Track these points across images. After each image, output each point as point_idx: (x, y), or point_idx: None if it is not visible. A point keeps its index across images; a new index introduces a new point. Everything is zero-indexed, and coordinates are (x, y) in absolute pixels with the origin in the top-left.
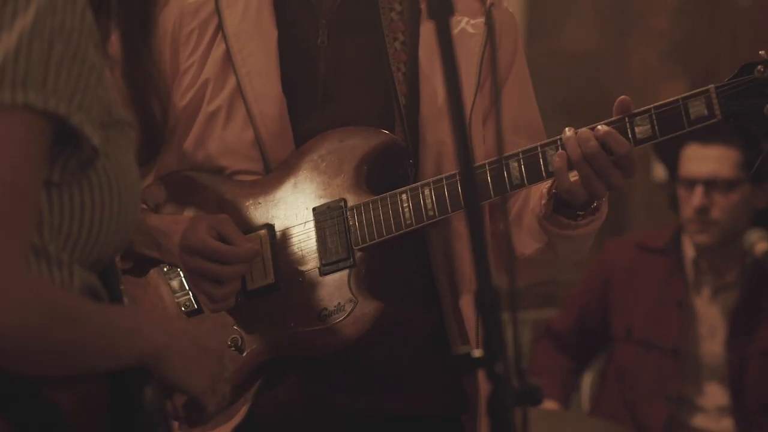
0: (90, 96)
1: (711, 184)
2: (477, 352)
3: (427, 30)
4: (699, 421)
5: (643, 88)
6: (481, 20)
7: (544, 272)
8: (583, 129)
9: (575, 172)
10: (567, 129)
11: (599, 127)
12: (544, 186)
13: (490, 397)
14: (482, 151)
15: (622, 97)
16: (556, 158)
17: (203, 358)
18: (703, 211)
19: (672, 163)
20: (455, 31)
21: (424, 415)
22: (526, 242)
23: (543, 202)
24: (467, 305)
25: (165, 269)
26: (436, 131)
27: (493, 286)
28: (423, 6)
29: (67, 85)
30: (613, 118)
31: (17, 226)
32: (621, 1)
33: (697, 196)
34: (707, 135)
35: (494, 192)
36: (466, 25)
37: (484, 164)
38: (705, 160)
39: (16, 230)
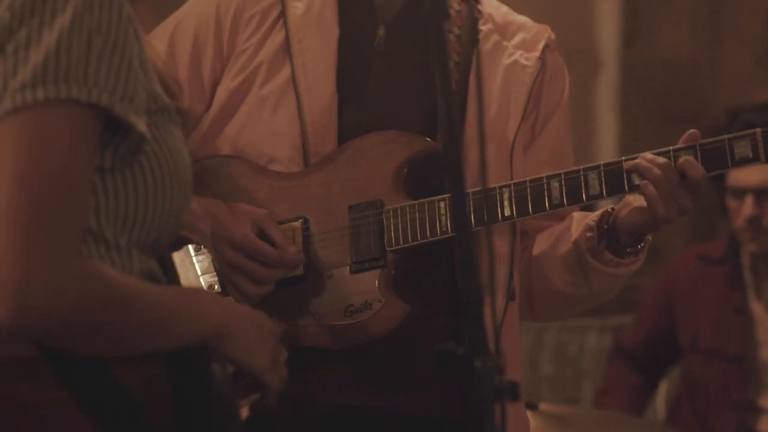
0: (132, 86)
1: (761, 193)
2: (459, 349)
3: (481, 54)
4: None
5: (737, 93)
6: (535, 54)
7: (575, 309)
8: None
9: (634, 201)
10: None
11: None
12: (590, 218)
13: (470, 393)
14: (521, 175)
15: (691, 131)
16: (643, 183)
17: (262, 337)
18: (754, 221)
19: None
20: (509, 61)
21: (435, 417)
22: (560, 275)
23: (589, 234)
24: (488, 316)
25: (194, 249)
26: (479, 152)
27: (476, 282)
28: (479, 31)
29: (108, 78)
30: (659, 150)
31: (70, 216)
32: (716, 7)
33: (748, 206)
34: None
35: (533, 210)
36: (520, 57)
37: (525, 181)
38: (754, 169)
39: (70, 221)
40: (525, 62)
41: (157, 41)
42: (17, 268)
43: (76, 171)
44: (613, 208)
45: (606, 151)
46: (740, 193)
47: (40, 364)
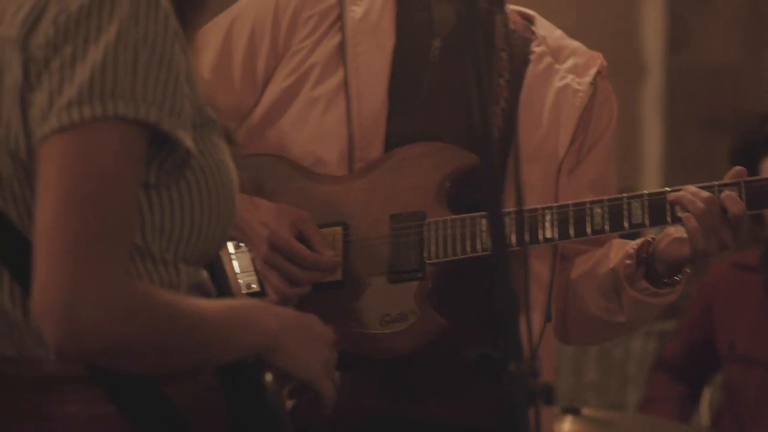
0: (179, 100)
1: None
2: (494, 353)
3: (532, 75)
4: None
5: None
6: (587, 80)
7: (608, 335)
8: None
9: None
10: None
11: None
12: (630, 246)
13: (504, 397)
14: (566, 197)
15: (737, 168)
16: (685, 216)
17: (315, 344)
18: None
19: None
20: (560, 84)
21: (468, 425)
22: (596, 300)
23: (628, 262)
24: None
25: (233, 246)
26: (525, 172)
27: (510, 286)
28: (531, 53)
29: (155, 92)
30: (704, 184)
31: (118, 237)
32: (759, 13)
33: None
34: None
35: (574, 234)
36: (572, 81)
37: (568, 204)
38: None
39: (117, 241)
40: (577, 87)
41: (212, 34)
42: (65, 292)
43: (123, 190)
44: (653, 238)
45: (651, 157)
46: None
47: (87, 381)
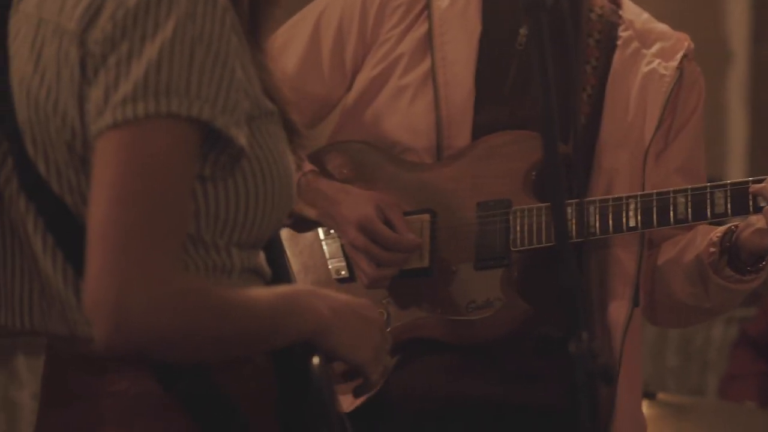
0: (233, 96)
1: None
2: (553, 333)
3: (619, 61)
4: None
5: None
6: (673, 64)
7: (695, 319)
8: None
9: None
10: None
11: None
12: (714, 234)
13: (567, 376)
14: (652, 182)
15: None
16: (766, 208)
17: (366, 329)
18: None
19: None
20: (647, 69)
21: (549, 406)
22: (682, 285)
23: (712, 250)
24: (614, 320)
25: (323, 233)
26: (612, 159)
27: (573, 268)
28: (618, 38)
29: (209, 90)
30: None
31: (169, 234)
32: None
33: None
34: None
35: (658, 223)
36: (658, 66)
37: (652, 194)
38: None
39: (169, 239)
40: (663, 71)
41: (301, 26)
42: (116, 289)
43: (177, 187)
44: (737, 226)
45: (736, 146)
46: None
47: (136, 361)
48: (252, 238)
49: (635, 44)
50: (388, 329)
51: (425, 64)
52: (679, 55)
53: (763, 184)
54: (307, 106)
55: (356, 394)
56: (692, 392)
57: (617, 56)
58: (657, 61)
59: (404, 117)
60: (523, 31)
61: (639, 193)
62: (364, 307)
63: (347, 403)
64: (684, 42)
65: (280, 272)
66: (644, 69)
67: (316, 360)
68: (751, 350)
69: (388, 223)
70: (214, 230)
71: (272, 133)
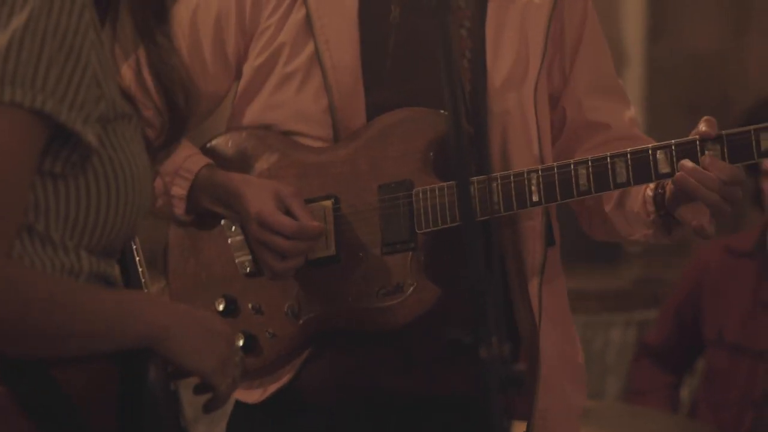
0: (83, 94)
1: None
2: (466, 337)
3: (492, 8)
4: None
5: (765, 84)
6: None
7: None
8: (691, 165)
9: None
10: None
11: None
12: (646, 190)
13: (475, 382)
14: (546, 118)
15: (707, 117)
16: (688, 216)
17: (210, 339)
18: None
19: None
20: (522, 2)
21: (465, 396)
22: (635, 228)
23: (650, 209)
24: (534, 293)
25: (227, 226)
26: (501, 101)
27: (483, 270)
28: None
29: (57, 84)
30: (685, 139)
31: (3, 223)
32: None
33: None
34: None
35: (561, 196)
36: None
37: (552, 167)
38: None
39: (2, 227)
40: (538, 1)
41: (176, 22)
42: None
43: (13, 176)
44: (663, 188)
45: None
46: None
47: None
48: (103, 242)
49: None
50: (300, 322)
51: (308, 50)
52: None
53: (680, 174)
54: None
55: (206, 408)
56: (592, 395)
57: (491, 2)
58: None
59: (294, 104)
60: (396, 5)
61: (539, 166)
62: (209, 318)
63: (257, 394)
64: None
65: (132, 285)
66: (519, 3)
67: (153, 367)
68: (653, 362)
69: (289, 212)
70: (63, 230)
71: (128, 137)
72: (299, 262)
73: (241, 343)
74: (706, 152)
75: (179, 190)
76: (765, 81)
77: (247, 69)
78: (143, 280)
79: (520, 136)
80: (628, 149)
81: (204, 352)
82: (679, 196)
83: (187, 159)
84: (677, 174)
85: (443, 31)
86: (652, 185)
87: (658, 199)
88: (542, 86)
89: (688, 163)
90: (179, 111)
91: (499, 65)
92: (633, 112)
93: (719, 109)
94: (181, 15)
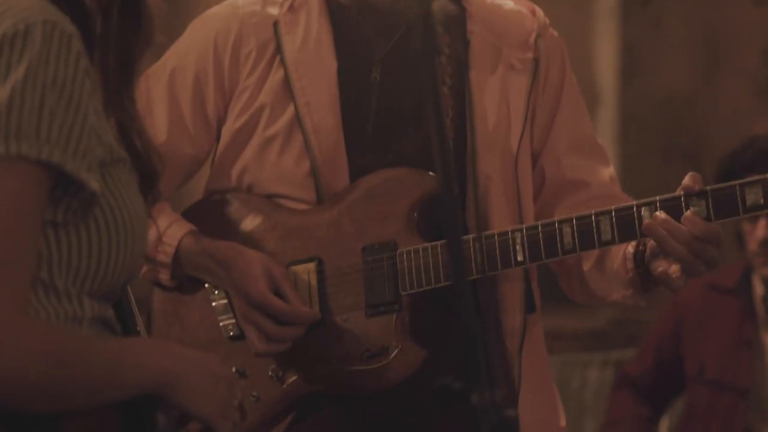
0: (85, 142)
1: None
2: (456, 384)
3: (474, 67)
4: None
5: (737, 126)
6: (528, 56)
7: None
8: (663, 216)
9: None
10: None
11: (660, 215)
12: (627, 247)
13: (467, 428)
14: (528, 185)
15: (692, 173)
16: (662, 270)
17: (213, 384)
18: (767, 244)
19: None
20: (503, 65)
21: None
22: (613, 289)
23: (629, 266)
24: (513, 359)
25: (211, 290)
26: (483, 165)
27: (474, 316)
28: (470, 41)
29: (60, 134)
30: (670, 195)
31: (14, 274)
32: (712, 40)
33: (761, 229)
34: None
35: (546, 255)
36: (515, 60)
37: (537, 225)
38: None
39: (13, 278)
40: (520, 66)
41: (154, 85)
42: None
43: (25, 230)
44: (644, 245)
45: None
46: (754, 216)
47: None
48: (104, 287)
49: (487, 38)
50: (284, 385)
51: (289, 112)
52: (531, 39)
53: (650, 225)
54: (179, 167)
55: None
56: None
57: (471, 61)
58: (513, 55)
59: (276, 169)
60: (377, 64)
61: (524, 225)
62: (211, 361)
63: None
64: (534, 20)
65: (129, 329)
66: (500, 67)
67: (160, 415)
68: (632, 392)
69: (279, 293)
70: (66, 277)
71: (124, 181)
72: (286, 346)
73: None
74: (691, 208)
75: (164, 257)
76: (737, 122)
77: (227, 131)
78: (138, 321)
79: (502, 202)
80: (613, 207)
81: (208, 396)
82: (657, 251)
83: (170, 226)
84: (646, 222)
85: (431, 73)
86: (633, 243)
87: (638, 256)
88: (524, 152)
89: (661, 214)
90: (141, 159)
91: (480, 128)
92: (612, 170)
93: (692, 150)
94: (159, 77)
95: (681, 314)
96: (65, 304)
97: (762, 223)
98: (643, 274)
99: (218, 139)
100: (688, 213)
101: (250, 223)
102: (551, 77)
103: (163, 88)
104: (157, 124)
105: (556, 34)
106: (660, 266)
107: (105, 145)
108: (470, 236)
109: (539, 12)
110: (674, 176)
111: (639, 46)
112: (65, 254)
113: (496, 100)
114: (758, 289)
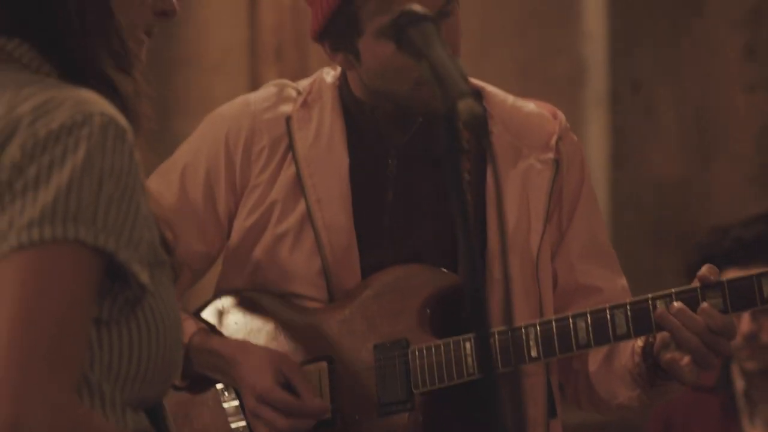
0: (137, 234)
1: (758, 310)
2: None
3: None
4: None
5: (730, 212)
6: (549, 156)
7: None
8: (679, 307)
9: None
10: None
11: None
12: (636, 341)
13: None
14: (549, 286)
15: (709, 265)
16: (670, 356)
17: None
18: (751, 337)
19: None
20: (523, 165)
21: None
22: (619, 390)
23: (637, 360)
24: None
25: (222, 390)
26: (503, 266)
27: (500, 415)
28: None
29: (115, 223)
30: (685, 288)
31: (69, 358)
32: (705, 127)
33: (745, 322)
34: (748, 257)
35: (560, 350)
36: (534, 160)
37: (551, 320)
38: None
39: (68, 362)
40: (540, 166)
41: (165, 179)
42: (13, 405)
43: (77, 312)
44: (654, 338)
45: None
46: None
47: None
48: (142, 395)
49: (506, 138)
50: None
51: (300, 209)
52: (552, 141)
53: (663, 315)
54: (190, 264)
55: None
56: None
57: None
58: (533, 154)
59: (287, 266)
60: (392, 159)
61: (537, 320)
62: None
63: None
64: (555, 122)
65: None
66: (521, 166)
67: None
68: None
69: (289, 386)
70: (109, 381)
71: (166, 285)
72: None
73: None
74: (707, 300)
75: None
76: (730, 208)
77: (238, 229)
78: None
79: (522, 303)
80: (627, 300)
81: None
82: (668, 341)
83: None
84: (659, 310)
85: (455, 172)
86: (642, 338)
87: (648, 348)
88: (545, 253)
89: (677, 304)
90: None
91: (498, 229)
92: (624, 281)
93: (685, 237)
94: (170, 173)
95: (667, 416)
96: (109, 413)
97: (746, 317)
98: (651, 368)
99: (229, 236)
100: (704, 305)
101: (261, 322)
102: (570, 181)
103: (175, 184)
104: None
105: (576, 138)
106: (670, 356)
107: (150, 243)
108: (488, 331)
109: (560, 115)
110: (667, 262)
111: (630, 132)
112: (107, 355)
113: (517, 199)
114: (739, 383)
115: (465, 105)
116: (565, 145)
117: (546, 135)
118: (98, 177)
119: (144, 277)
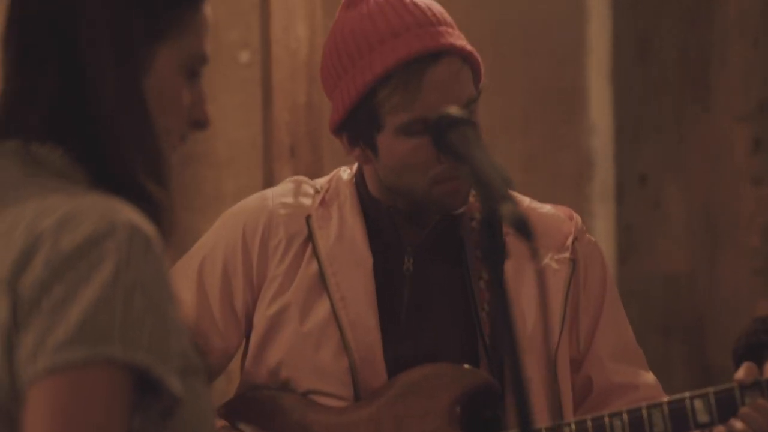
0: (168, 346)
1: None
2: None
3: (511, 267)
4: None
5: (738, 306)
6: (565, 255)
7: None
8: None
9: None
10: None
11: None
12: None
13: None
14: (568, 386)
15: (749, 363)
16: None
17: None
18: None
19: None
20: (540, 266)
21: None
22: None
23: None
24: None
25: None
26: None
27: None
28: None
29: (147, 337)
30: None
31: None
32: (712, 220)
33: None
34: None
35: None
36: (551, 260)
37: (586, 420)
38: None
39: None
40: (556, 266)
41: (182, 276)
42: None
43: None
44: None
45: None
46: None
47: None
48: None
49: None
50: None
51: (324, 307)
52: (569, 241)
53: (748, 409)
54: (210, 361)
55: None
56: None
57: (508, 264)
58: (549, 255)
59: (312, 363)
60: (408, 257)
61: (573, 419)
62: None
63: None
64: (570, 224)
65: None
66: (537, 266)
67: None
68: None
69: None
70: None
71: (198, 393)
72: None
73: None
74: (747, 400)
75: None
76: (739, 302)
77: (259, 320)
78: None
79: (542, 405)
80: (665, 399)
81: None
82: None
83: None
84: (743, 409)
85: (497, 274)
86: None
87: None
88: (563, 354)
89: (762, 401)
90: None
91: (519, 329)
92: (653, 376)
93: (693, 330)
94: (188, 268)
95: None
96: None
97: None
98: None
99: (246, 334)
100: (757, 404)
101: (285, 422)
102: (591, 282)
103: (193, 278)
104: (186, 316)
105: (593, 239)
106: None
107: (182, 352)
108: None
109: (576, 217)
110: (675, 356)
111: (637, 225)
112: None
113: (534, 300)
114: None
115: (507, 209)
116: (581, 245)
117: (562, 236)
118: (125, 291)
119: (177, 388)
